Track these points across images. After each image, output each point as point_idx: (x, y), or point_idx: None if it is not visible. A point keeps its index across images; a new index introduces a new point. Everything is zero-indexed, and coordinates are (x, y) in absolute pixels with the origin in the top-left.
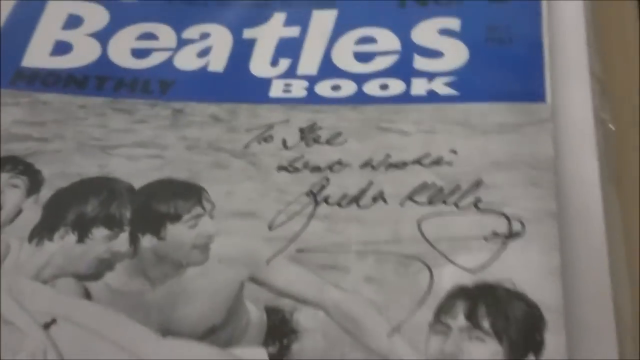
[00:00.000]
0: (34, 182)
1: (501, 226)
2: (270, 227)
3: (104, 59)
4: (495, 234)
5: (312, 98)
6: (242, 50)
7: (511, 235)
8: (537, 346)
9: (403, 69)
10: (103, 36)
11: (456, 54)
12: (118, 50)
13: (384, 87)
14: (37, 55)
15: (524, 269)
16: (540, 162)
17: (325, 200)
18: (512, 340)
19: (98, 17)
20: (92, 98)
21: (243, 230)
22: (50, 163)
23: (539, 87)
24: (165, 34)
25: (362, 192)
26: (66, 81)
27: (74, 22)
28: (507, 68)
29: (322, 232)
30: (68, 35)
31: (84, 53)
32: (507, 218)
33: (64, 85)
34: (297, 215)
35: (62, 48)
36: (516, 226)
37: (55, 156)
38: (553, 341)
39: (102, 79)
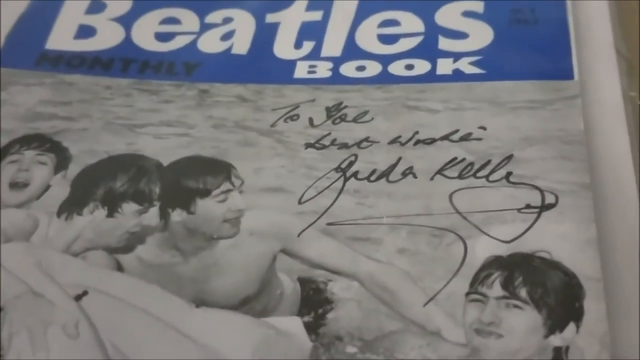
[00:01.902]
0: (62, 159)
1: (534, 198)
2: (299, 202)
3: (128, 42)
4: (529, 206)
5: (337, 78)
6: (265, 34)
7: (545, 207)
8: (577, 314)
9: (428, 50)
10: (126, 21)
11: (481, 35)
12: (142, 34)
13: (409, 67)
14: (61, 38)
15: (560, 240)
16: (571, 136)
17: (354, 175)
18: (550, 308)
19: (121, 2)
20: (118, 79)
21: (273, 204)
22: (77, 141)
23: (566, 65)
24: (188, 19)
25: (392, 167)
26: (91, 63)
27: (97, 7)
28: (533, 47)
29: (352, 206)
30: (91, 20)
31: (107, 37)
32: (541, 190)
33: (89, 67)
34: (327, 190)
35: (86, 32)
36: (549, 198)
37: (82, 134)
38: (593, 309)
39: (127, 61)
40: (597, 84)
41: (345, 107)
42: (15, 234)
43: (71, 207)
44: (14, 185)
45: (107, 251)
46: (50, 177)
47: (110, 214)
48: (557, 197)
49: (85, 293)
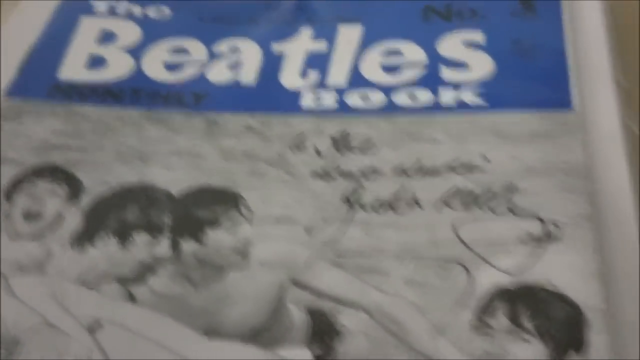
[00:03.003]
0: (75, 189)
1: (538, 230)
2: (308, 232)
3: (138, 72)
4: (533, 238)
5: (343, 108)
6: (271, 64)
7: (548, 238)
8: (581, 346)
9: (430, 80)
10: (136, 51)
11: (482, 65)
12: (152, 65)
13: (412, 97)
14: (73, 68)
15: (563, 271)
16: (572, 168)
17: (361, 205)
18: (555, 340)
19: (131, 33)
20: (129, 110)
21: (282, 235)
22: (90, 172)
23: (566, 96)
24: (196, 49)
25: (397, 197)
26: (103, 94)
27: (107, 37)
28: (533, 78)
29: (359, 237)
30: (102, 50)
31: (118, 67)
32: (544, 222)
33: (101, 97)
34: (334, 221)
35: (97, 62)
36: (553, 230)
37: (95, 165)
38: (597, 340)
39: (137, 92)
40: (596, 114)
41: (351, 137)
42: (30, 265)
43: (84, 237)
44: (28, 216)
45: (119, 282)
46: (64, 207)
47: (122, 245)
48: (560, 229)
49: (99, 325)
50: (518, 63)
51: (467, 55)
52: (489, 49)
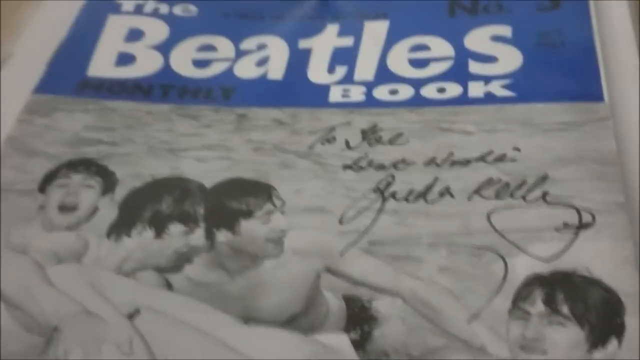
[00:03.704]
0: (108, 182)
1: (571, 217)
2: (340, 222)
3: (166, 69)
4: (566, 225)
5: (371, 102)
6: (299, 59)
7: (582, 226)
8: (619, 330)
9: (459, 74)
10: (164, 48)
11: (510, 58)
12: (180, 61)
13: (441, 90)
14: (102, 65)
15: (598, 258)
16: (604, 157)
17: (393, 195)
18: (592, 324)
19: (158, 30)
20: (158, 105)
21: (314, 224)
22: (122, 165)
23: (596, 87)
24: (224, 46)
25: (428, 187)
26: (132, 89)
27: (135, 35)
28: (562, 70)
29: (391, 226)
30: (130, 47)
31: (147, 64)
32: (577, 210)
33: (130, 93)
34: (366, 210)
35: (125, 59)
36: (586, 217)
37: (127, 158)
38: (633, 324)
39: (166, 87)
40: (625, 104)
41: (380, 129)
42: (67, 255)
43: (120, 228)
44: (63, 208)
45: (156, 271)
46: (98, 200)
47: (158, 235)
48: (593, 216)
49: (137, 311)
50: (546, 56)
51: (495, 49)
52: (516, 42)
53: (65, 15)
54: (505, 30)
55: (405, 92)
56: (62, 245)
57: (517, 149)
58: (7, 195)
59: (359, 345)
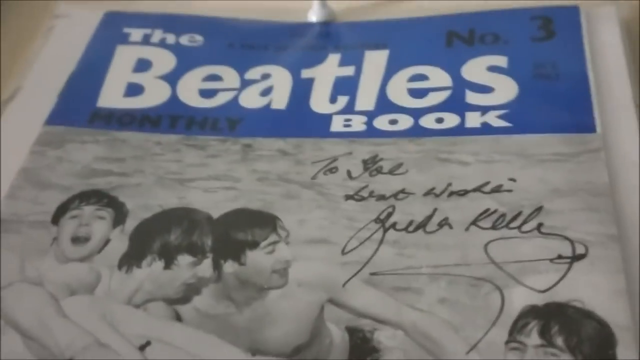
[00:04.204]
0: (119, 213)
1: (565, 249)
2: (343, 252)
3: (174, 99)
4: (561, 257)
5: (372, 132)
6: (301, 89)
7: (576, 257)
8: None
9: (456, 104)
10: (171, 78)
11: (506, 89)
12: (186, 91)
13: (439, 120)
14: (112, 96)
15: (591, 290)
16: (597, 189)
17: (393, 226)
18: (585, 356)
19: (165, 61)
20: (167, 135)
21: (318, 255)
22: (132, 196)
23: (589, 119)
24: (229, 76)
25: (428, 218)
26: (141, 120)
27: (143, 65)
28: (556, 101)
29: (392, 257)
30: (139, 78)
31: (155, 94)
32: (571, 241)
33: (140, 124)
34: (368, 241)
35: (134, 90)
36: (580, 249)
37: (137, 189)
38: (625, 357)
39: (174, 118)
40: (618, 136)
41: (381, 159)
42: (80, 287)
43: (130, 260)
44: (76, 240)
45: (166, 302)
46: (110, 231)
47: (167, 266)
48: (587, 248)
49: (148, 343)
50: (541, 87)
51: (491, 79)
52: (512, 73)
53: (75, 46)
54: (501, 61)
55: (405, 122)
56: (76, 277)
57: (513, 180)
58: (20, 227)
59: None
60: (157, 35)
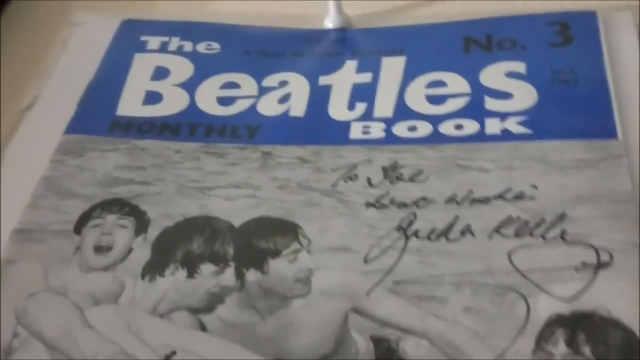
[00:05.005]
0: (141, 222)
1: (590, 257)
2: (365, 261)
3: (192, 107)
4: (585, 264)
5: (391, 139)
6: (319, 96)
7: (600, 265)
8: None
9: (475, 110)
10: (189, 86)
11: (525, 95)
12: (205, 99)
13: (458, 127)
14: (130, 104)
15: (616, 298)
16: (619, 195)
17: (415, 234)
18: None
19: (183, 68)
20: (186, 143)
21: (340, 264)
22: (153, 204)
23: (610, 125)
24: (247, 83)
25: (450, 226)
26: (160, 128)
27: (161, 73)
28: (576, 107)
29: (415, 265)
30: (157, 86)
31: (173, 102)
32: (595, 249)
33: (159, 132)
34: (390, 249)
35: (153, 98)
36: (604, 257)
37: (158, 198)
38: None
39: (193, 126)
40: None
41: (401, 166)
42: (104, 296)
43: (153, 269)
44: (99, 249)
45: (190, 311)
46: (132, 240)
47: (190, 275)
48: (611, 256)
49: (174, 353)
50: (560, 92)
51: (510, 85)
52: (531, 79)
53: (93, 54)
54: (520, 67)
55: (424, 128)
56: (99, 287)
57: (535, 187)
58: (43, 237)
59: None
60: (175, 42)
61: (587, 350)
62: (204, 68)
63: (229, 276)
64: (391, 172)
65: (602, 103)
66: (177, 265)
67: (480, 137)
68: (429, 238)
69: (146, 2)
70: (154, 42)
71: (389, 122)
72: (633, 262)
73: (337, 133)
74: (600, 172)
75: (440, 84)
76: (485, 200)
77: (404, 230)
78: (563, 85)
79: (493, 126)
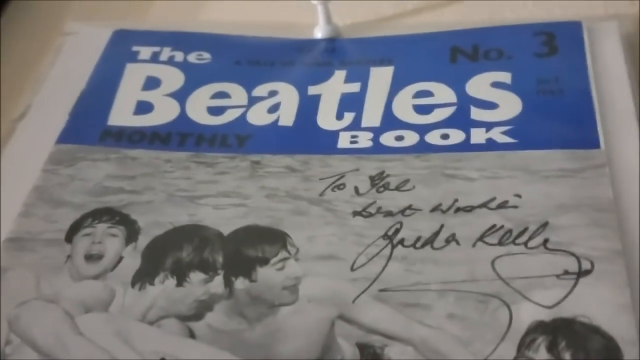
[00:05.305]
0: (131, 231)
1: (571, 265)
2: (352, 269)
3: (183, 116)
4: (567, 272)
5: (378, 148)
6: (308, 106)
7: (582, 273)
8: None
9: (461, 120)
10: (180, 96)
11: (510, 105)
12: (195, 109)
13: (444, 136)
14: (122, 114)
15: (597, 305)
16: (601, 204)
17: (401, 242)
18: None
19: (174, 78)
20: (176, 153)
21: (327, 271)
22: (143, 213)
23: (593, 135)
24: (237, 93)
25: (435, 234)
26: (151, 138)
27: (152, 83)
28: (560, 117)
29: (401, 273)
30: (148, 96)
31: (164, 112)
32: (577, 257)
33: (149, 141)
34: (376, 257)
35: (144, 107)
36: (586, 264)
37: (148, 207)
38: None
39: (183, 135)
40: (622, 152)
41: (388, 175)
42: (94, 304)
43: (143, 277)
44: (90, 258)
45: (179, 319)
46: (122, 248)
47: (179, 283)
48: (592, 263)
49: None
50: (544, 102)
51: (495, 95)
52: (516, 89)
53: (85, 64)
54: (505, 77)
55: (411, 138)
56: (90, 295)
57: (519, 196)
58: (35, 245)
59: None
60: (166, 53)
61: (567, 356)
62: (195, 78)
63: (217, 284)
64: (378, 181)
65: (586, 113)
66: (166, 273)
67: (466, 146)
68: (414, 246)
69: (138, 13)
70: (145, 52)
71: (376, 132)
72: (614, 270)
73: (326, 142)
74: (583, 181)
75: (427, 94)
76: (470, 209)
77: (391, 239)
78: (548, 95)
79: (478, 136)
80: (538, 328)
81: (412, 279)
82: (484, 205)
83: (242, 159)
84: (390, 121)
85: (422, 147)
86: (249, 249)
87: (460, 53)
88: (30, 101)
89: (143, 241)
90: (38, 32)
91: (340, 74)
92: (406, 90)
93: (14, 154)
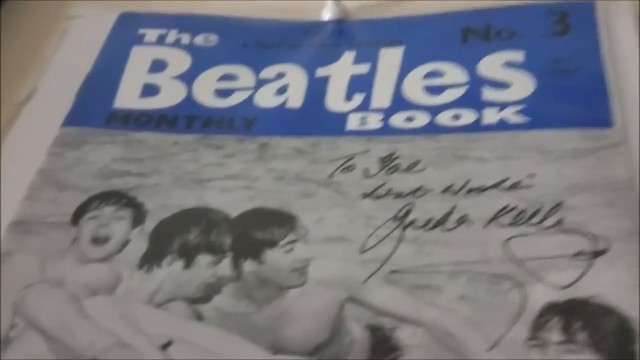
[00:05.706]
0: (138, 213)
1: (586, 245)
2: (361, 251)
3: (189, 99)
4: (581, 253)
5: (388, 129)
6: (317, 88)
7: (597, 253)
8: (631, 357)
9: (473, 100)
10: (187, 78)
11: (523, 85)
12: (202, 91)
13: (456, 117)
14: (128, 97)
15: (612, 285)
16: (616, 184)
17: (412, 224)
18: (606, 352)
19: (181, 61)
20: (184, 135)
21: (336, 254)
22: (151, 196)
23: (607, 114)
24: (244, 75)
25: (447, 215)
26: (158, 120)
27: (159, 66)
28: (574, 97)
29: (411, 254)
30: (154, 79)
31: (171, 94)
32: (592, 237)
33: (156, 124)
34: (386, 239)
35: (150, 90)
36: (601, 245)
37: (155, 189)
38: None
39: (190, 118)
40: (635, 131)
41: (398, 157)
42: (101, 287)
43: (150, 259)
44: (96, 241)
45: (186, 302)
46: (129, 231)
47: (187, 266)
48: (608, 243)
49: (170, 343)
50: (557, 82)
51: (508, 75)
52: (529, 68)
53: (90, 47)
54: (518, 56)
55: (421, 119)
56: (96, 278)
57: (532, 176)
58: (40, 228)
59: None
60: (172, 35)
61: (581, 337)
62: (202, 60)
63: (225, 266)
64: (388, 163)
65: (599, 92)
66: (174, 256)
67: (478, 127)
68: (425, 228)
69: None
70: (151, 34)
71: (386, 113)
72: (629, 250)
73: (334, 124)
74: (597, 160)
75: (438, 74)
76: (482, 190)
77: (401, 220)
78: (561, 75)
79: (491, 116)
80: (552, 309)
81: (422, 260)
82: (496, 185)
83: (250, 141)
84: (400, 102)
85: (433, 128)
86: (257, 232)
87: (472, 33)
88: (36, 84)
89: (150, 224)
90: (44, 16)
91: (349, 55)
92: (416, 70)
93: (19, 137)
